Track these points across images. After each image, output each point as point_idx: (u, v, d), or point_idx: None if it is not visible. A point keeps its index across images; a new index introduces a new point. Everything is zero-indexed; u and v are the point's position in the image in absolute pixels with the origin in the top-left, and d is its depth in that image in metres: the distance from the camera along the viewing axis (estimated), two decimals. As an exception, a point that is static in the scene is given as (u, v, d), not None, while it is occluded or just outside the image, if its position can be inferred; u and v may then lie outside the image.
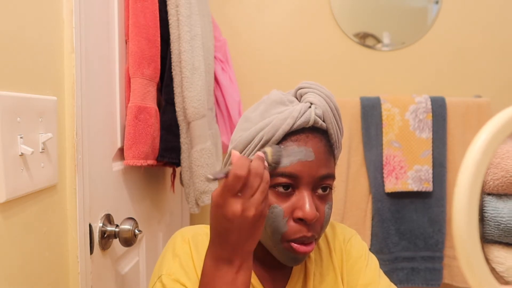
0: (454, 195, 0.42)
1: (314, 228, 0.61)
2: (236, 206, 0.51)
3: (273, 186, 0.61)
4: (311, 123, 0.61)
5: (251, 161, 0.53)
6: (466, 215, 0.41)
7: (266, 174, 0.53)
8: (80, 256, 0.72)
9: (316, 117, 0.61)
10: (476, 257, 0.41)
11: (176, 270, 0.63)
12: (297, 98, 0.66)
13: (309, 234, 0.60)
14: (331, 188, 0.64)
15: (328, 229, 0.76)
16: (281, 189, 0.60)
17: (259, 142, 0.62)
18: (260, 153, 0.55)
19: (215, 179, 0.53)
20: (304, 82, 0.66)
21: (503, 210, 1.26)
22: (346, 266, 0.72)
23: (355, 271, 0.71)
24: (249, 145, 0.63)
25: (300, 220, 0.60)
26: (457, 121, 1.51)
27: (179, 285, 0.61)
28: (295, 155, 0.60)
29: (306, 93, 0.64)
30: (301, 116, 0.61)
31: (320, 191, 0.62)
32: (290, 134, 0.61)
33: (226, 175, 0.53)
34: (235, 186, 0.51)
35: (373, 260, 0.74)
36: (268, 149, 0.57)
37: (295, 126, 0.61)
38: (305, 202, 0.59)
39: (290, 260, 0.63)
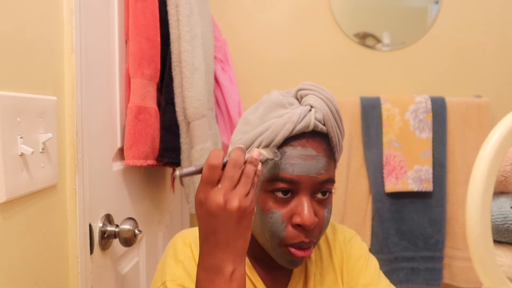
0: (467, 196, 0.42)
1: (313, 233, 0.61)
2: (218, 197, 0.49)
3: (272, 191, 0.60)
4: (311, 127, 0.60)
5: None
6: (479, 217, 0.41)
7: (249, 168, 0.52)
8: (80, 256, 0.72)
9: (316, 121, 0.60)
10: (489, 257, 0.41)
11: (181, 275, 0.62)
12: (297, 99, 0.65)
13: (307, 240, 0.60)
14: (330, 192, 0.63)
15: (328, 230, 0.76)
16: (280, 194, 0.60)
17: (258, 146, 0.61)
18: (240, 145, 0.55)
19: (182, 175, 0.51)
20: (305, 83, 0.64)
21: (492, 209, 1.27)
22: (346, 266, 0.72)
23: (355, 272, 0.71)
24: (248, 150, 0.62)
25: (298, 226, 0.60)
26: (457, 121, 1.51)
27: None
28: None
29: (306, 95, 0.63)
30: (301, 121, 0.60)
31: (319, 195, 0.62)
32: (290, 139, 0.60)
33: (199, 170, 0.52)
34: (211, 176, 0.50)
35: (373, 261, 0.74)
36: (262, 150, 0.57)
37: (294, 131, 0.60)
38: (304, 208, 0.59)
39: (288, 263, 0.63)
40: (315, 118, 0.60)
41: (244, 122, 0.66)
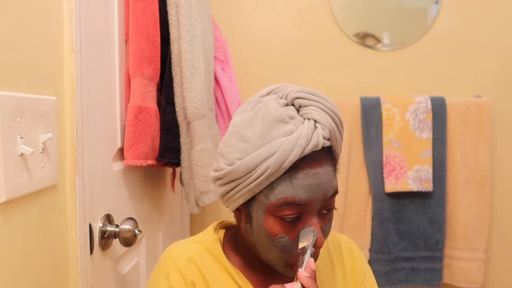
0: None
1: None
2: None
3: (280, 217, 0.59)
4: (319, 147, 0.58)
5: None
6: None
7: None
8: (80, 256, 0.72)
9: (324, 140, 0.58)
10: None
11: None
12: (293, 106, 0.61)
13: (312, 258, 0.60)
14: (334, 208, 0.63)
15: (329, 239, 0.76)
16: (288, 219, 0.59)
17: (265, 172, 0.57)
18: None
19: None
20: (302, 92, 0.60)
21: None
22: (349, 275, 0.73)
23: (356, 278, 0.72)
24: (250, 173, 0.58)
25: None
26: (457, 121, 1.51)
27: None
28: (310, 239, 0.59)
29: (306, 106, 0.59)
30: (309, 144, 0.57)
31: (325, 211, 0.61)
32: (298, 161, 0.58)
33: None
34: None
35: (370, 271, 0.76)
36: (310, 247, 0.57)
37: (303, 154, 0.57)
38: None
39: (290, 276, 0.64)
40: (323, 137, 0.58)
41: (240, 138, 0.60)
